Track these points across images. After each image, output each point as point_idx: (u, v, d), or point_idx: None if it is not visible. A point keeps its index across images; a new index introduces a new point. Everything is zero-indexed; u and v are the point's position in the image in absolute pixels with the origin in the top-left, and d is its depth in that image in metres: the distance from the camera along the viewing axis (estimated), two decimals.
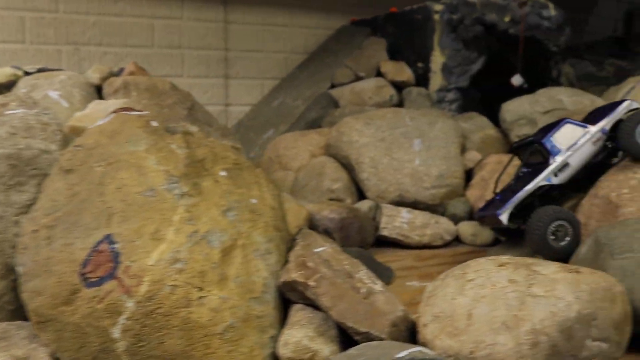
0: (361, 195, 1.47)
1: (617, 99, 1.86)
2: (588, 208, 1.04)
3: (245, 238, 0.80)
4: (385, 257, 1.26)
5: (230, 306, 0.71)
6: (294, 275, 0.75)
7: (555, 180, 1.07)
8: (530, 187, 1.07)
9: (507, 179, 1.24)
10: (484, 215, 1.15)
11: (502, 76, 2.14)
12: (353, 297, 0.72)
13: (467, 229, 1.35)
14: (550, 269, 0.73)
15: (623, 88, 1.89)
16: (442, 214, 1.42)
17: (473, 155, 1.52)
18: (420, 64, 2.09)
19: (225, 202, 0.82)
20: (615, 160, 1.12)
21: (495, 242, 1.34)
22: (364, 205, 1.38)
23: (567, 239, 1.01)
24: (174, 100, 1.29)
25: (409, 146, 1.46)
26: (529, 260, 0.77)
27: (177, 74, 2.26)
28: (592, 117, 1.14)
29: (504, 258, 0.78)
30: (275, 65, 2.40)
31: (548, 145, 1.08)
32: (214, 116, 1.35)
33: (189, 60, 2.27)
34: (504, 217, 1.07)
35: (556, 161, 1.07)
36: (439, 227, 1.34)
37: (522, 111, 1.47)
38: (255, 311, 0.73)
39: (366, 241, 1.29)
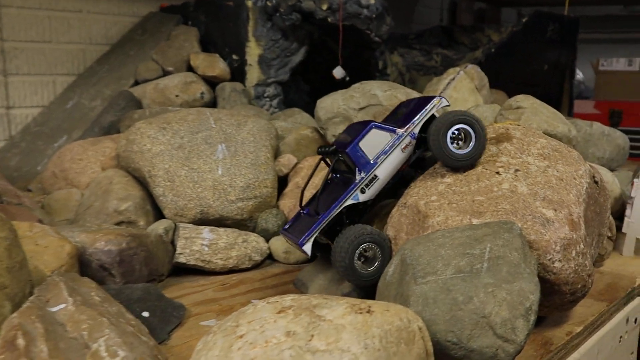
0: (160, 214, 1.29)
1: (439, 89, 1.88)
2: (397, 219, 0.97)
3: None
4: (182, 289, 1.11)
5: None
6: None
7: (362, 198, 0.97)
8: (334, 211, 0.95)
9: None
10: (288, 238, 1.03)
11: (330, 67, 2.09)
12: None
13: (279, 245, 1.24)
14: (337, 311, 0.62)
15: (444, 79, 1.91)
16: (253, 230, 1.30)
17: (287, 160, 1.41)
18: (235, 56, 1.95)
19: None
20: (429, 153, 1.05)
21: (311, 257, 1.24)
22: (159, 228, 1.21)
23: (376, 263, 0.92)
24: None
25: (211, 153, 1.31)
26: (315, 300, 0.65)
27: None
28: (402, 116, 1.06)
29: (288, 300, 0.66)
30: (69, 59, 2.11)
31: (354, 156, 0.96)
32: None
33: None
34: (307, 248, 0.95)
35: (363, 176, 0.96)
36: (247, 246, 1.21)
37: (336, 108, 1.38)
38: None
39: (159, 272, 1.11)
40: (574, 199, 0.89)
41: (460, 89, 1.85)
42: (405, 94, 1.38)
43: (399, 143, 0.98)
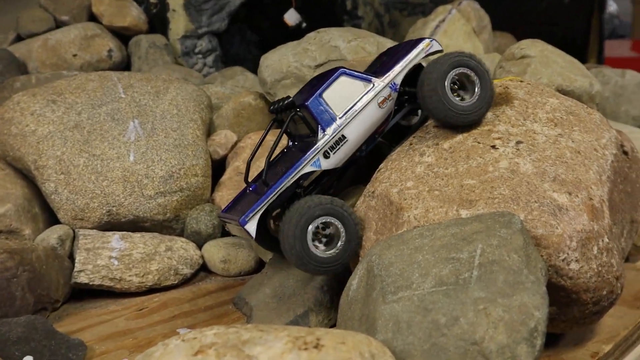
0: (54, 219, 1.26)
1: (425, 35, 1.86)
2: (364, 213, 0.95)
3: None
4: (84, 319, 1.08)
5: None
6: None
7: (325, 164, 0.95)
8: (287, 180, 0.94)
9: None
10: (228, 220, 1.00)
11: (283, 10, 2.06)
12: None
13: (215, 252, 1.21)
14: (274, 348, 0.60)
15: (432, 21, 1.89)
16: (181, 233, 1.27)
17: (224, 137, 1.39)
18: None
19: None
20: (415, 119, 1.06)
21: (260, 265, 1.23)
22: (52, 237, 1.17)
23: (339, 243, 0.91)
24: None
25: (119, 134, 1.28)
26: (246, 334, 0.63)
27: None
28: (381, 65, 1.05)
29: (209, 335, 0.64)
30: None
31: (315, 110, 0.95)
32: None
33: None
34: (250, 227, 0.93)
35: (326, 135, 0.95)
36: (173, 256, 1.18)
37: (285, 66, 1.35)
38: None
39: (51, 298, 1.08)
40: (595, 178, 0.88)
41: (453, 33, 1.83)
42: (376, 43, 1.35)
43: (376, 96, 0.98)
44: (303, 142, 1.02)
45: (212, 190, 1.33)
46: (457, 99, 0.94)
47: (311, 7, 2.06)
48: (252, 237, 0.95)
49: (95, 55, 1.76)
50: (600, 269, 0.83)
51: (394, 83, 0.99)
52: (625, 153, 1.00)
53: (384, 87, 0.98)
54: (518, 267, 0.72)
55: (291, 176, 0.95)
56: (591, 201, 0.85)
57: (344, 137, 0.96)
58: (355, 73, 0.98)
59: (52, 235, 1.18)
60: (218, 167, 1.38)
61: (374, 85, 0.98)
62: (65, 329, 1.02)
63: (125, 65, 1.85)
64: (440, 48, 1.03)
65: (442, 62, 0.94)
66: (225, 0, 1.95)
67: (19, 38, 1.87)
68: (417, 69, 1.02)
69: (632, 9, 3.40)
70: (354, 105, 0.97)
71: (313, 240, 0.90)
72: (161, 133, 1.30)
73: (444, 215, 0.86)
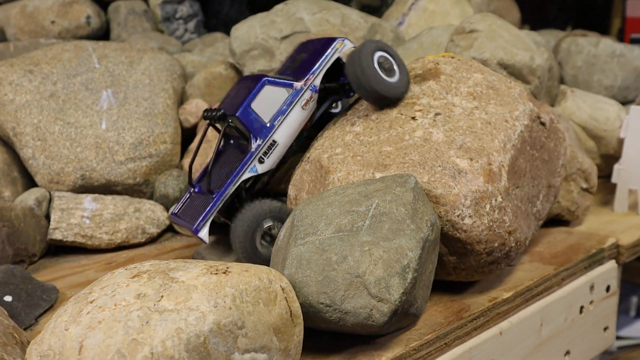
0: (31, 182, 1.61)
1: (403, 11, 2.16)
2: (299, 176, 1.28)
3: None
4: (58, 271, 1.43)
5: None
6: None
7: (261, 168, 1.29)
8: (230, 189, 1.27)
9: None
10: (180, 224, 1.33)
11: None
12: None
13: None
14: (191, 273, 0.94)
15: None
16: (150, 197, 1.61)
17: (195, 106, 1.72)
18: None
19: None
20: (335, 110, 1.37)
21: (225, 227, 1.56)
22: (30, 198, 1.52)
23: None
24: None
25: (93, 103, 1.62)
26: (173, 264, 0.97)
27: None
28: (300, 65, 1.35)
29: (147, 265, 0.98)
30: None
31: (246, 120, 1.27)
32: None
33: None
34: (203, 234, 1.27)
35: (260, 143, 1.27)
36: (140, 217, 1.53)
37: (253, 37, 1.68)
38: None
39: (28, 252, 1.44)
40: (499, 146, 1.20)
41: None
42: (341, 15, 1.67)
43: (298, 99, 1.30)
44: (238, 144, 1.34)
45: (182, 156, 1.67)
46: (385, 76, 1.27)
47: None
48: (206, 243, 1.29)
49: (74, 22, 2.08)
50: (491, 224, 1.15)
51: (314, 85, 1.31)
52: (543, 124, 1.31)
53: (305, 90, 1.30)
54: (402, 218, 1.05)
55: (233, 184, 1.27)
56: (490, 166, 1.17)
57: (274, 141, 1.29)
58: (278, 81, 1.29)
59: (30, 197, 1.53)
60: (189, 135, 1.72)
61: (295, 89, 1.29)
62: (41, 278, 1.37)
63: (104, 32, 2.16)
64: (352, 45, 1.34)
65: (367, 45, 1.25)
66: None
67: None
68: (335, 65, 1.33)
69: None
70: (279, 111, 1.28)
71: (261, 241, 1.28)
72: (133, 102, 1.64)
73: (361, 177, 1.19)
